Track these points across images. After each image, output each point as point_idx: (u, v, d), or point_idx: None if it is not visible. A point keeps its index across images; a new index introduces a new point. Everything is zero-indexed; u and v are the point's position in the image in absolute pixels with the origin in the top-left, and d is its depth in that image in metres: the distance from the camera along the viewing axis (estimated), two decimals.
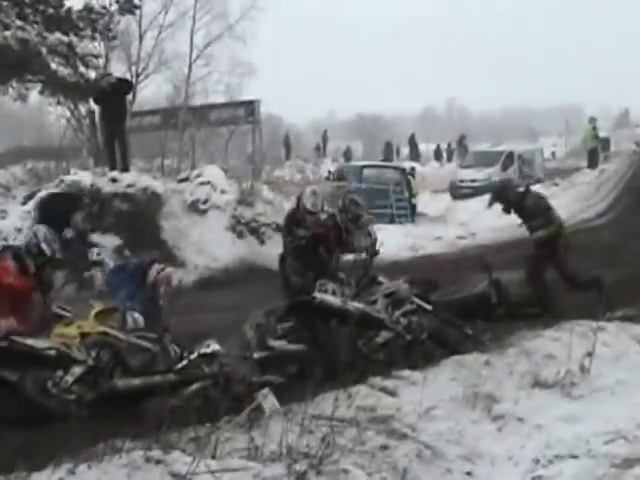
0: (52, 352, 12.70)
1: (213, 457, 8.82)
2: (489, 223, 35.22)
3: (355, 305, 14.68)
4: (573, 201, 40.75)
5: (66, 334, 13.12)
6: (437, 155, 66.10)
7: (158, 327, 13.74)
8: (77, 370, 12.60)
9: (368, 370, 12.70)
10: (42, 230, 14.74)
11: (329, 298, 14.56)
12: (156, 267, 15.61)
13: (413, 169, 50.39)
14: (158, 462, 8.28)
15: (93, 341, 13.17)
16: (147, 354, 13.31)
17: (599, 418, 12.10)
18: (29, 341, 12.68)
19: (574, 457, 10.64)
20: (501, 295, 18.51)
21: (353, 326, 14.12)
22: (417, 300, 15.51)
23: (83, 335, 13.17)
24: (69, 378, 12.57)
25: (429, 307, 15.55)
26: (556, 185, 47.89)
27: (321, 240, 15.35)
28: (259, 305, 15.47)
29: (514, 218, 20.41)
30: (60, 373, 12.54)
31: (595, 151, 55.68)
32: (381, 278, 16.27)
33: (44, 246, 14.43)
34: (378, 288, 15.72)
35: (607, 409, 12.52)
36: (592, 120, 59.54)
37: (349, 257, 17.47)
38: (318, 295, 14.52)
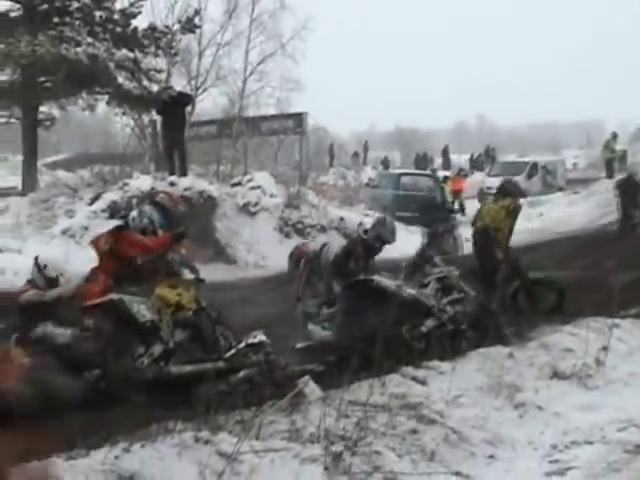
0: (147, 324, 12.91)
1: (257, 438, 8.83)
2: None
3: (408, 291, 14.63)
4: (594, 208, 40.54)
5: (165, 298, 13.31)
6: (474, 164, 65.79)
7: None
8: (157, 350, 12.69)
9: (404, 357, 12.71)
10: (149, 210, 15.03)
11: (386, 281, 14.53)
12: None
13: (446, 177, 50.37)
14: (206, 442, 8.29)
15: (183, 319, 13.35)
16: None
17: (613, 407, 12.12)
18: (135, 308, 12.91)
19: (589, 443, 10.66)
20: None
21: (403, 311, 14.09)
22: (465, 287, 15.46)
23: (179, 306, 13.35)
24: (146, 359, 12.66)
25: (474, 294, 15.49)
26: (577, 193, 47.73)
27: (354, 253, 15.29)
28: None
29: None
30: (141, 350, 12.65)
31: (611, 162, 55.44)
32: (436, 260, 16.27)
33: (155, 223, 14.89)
34: (432, 270, 15.71)
35: (620, 399, 12.54)
36: (614, 135, 59.17)
37: None
38: (376, 277, 14.50)
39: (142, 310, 12.89)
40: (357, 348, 12.93)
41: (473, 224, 19.74)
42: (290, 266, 17.11)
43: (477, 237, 18.91)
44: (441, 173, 54.15)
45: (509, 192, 19.38)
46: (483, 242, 18.39)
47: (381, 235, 15.74)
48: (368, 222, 17.05)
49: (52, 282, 13.65)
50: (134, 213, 15.22)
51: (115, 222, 15.06)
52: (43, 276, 13.65)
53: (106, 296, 13.21)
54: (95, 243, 14.68)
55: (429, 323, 14.41)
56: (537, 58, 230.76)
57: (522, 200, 20.69)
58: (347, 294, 14.43)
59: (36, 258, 14.01)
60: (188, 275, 14.46)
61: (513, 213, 18.49)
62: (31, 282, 13.69)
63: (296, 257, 16.71)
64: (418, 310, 14.51)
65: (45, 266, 13.78)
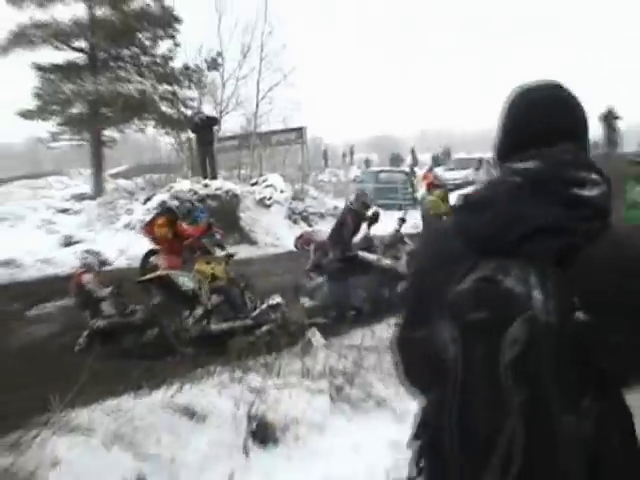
0: (189, 292, 13.06)
1: (278, 376, 8.86)
2: None
3: (386, 261, 14.75)
4: None
5: (203, 271, 13.43)
6: (435, 161, 65.67)
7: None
8: (198, 312, 12.81)
9: (386, 311, 12.72)
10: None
11: (368, 255, 14.66)
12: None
13: (413, 172, 50.84)
14: (239, 381, 8.34)
15: (217, 286, 13.44)
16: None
17: None
18: (180, 280, 13.20)
19: None
20: None
21: (382, 277, 14.24)
22: None
23: (214, 277, 13.39)
24: (190, 320, 12.76)
25: None
26: None
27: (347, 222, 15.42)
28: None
29: None
30: (187, 313, 12.73)
31: None
32: (406, 239, 16.35)
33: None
34: (404, 247, 15.80)
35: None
36: None
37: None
38: (360, 253, 14.62)
39: (185, 282, 13.06)
40: (350, 306, 12.99)
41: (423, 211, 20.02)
42: (296, 247, 17.20)
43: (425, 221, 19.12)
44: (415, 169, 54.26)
45: (438, 187, 20.00)
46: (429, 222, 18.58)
47: (364, 201, 15.89)
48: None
49: (103, 263, 14.00)
50: (175, 202, 15.71)
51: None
52: (97, 258, 13.95)
53: (159, 272, 13.43)
54: (149, 230, 14.93)
55: (403, 285, 14.45)
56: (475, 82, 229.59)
57: (471, 188, 20.86)
58: (340, 266, 14.49)
59: (87, 250, 14.46)
60: (220, 253, 14.57)
61: (444, 199, 18.82)
62: (86, 265, 13.85)
63: (301, 242, 16.81)
64: (394, 276, 14.57)
65: (97, 252, 14.20)
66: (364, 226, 16.20)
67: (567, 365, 2.27)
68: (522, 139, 2.72)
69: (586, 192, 2.51)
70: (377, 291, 14.11)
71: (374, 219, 16.11)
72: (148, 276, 13.73)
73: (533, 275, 2.36)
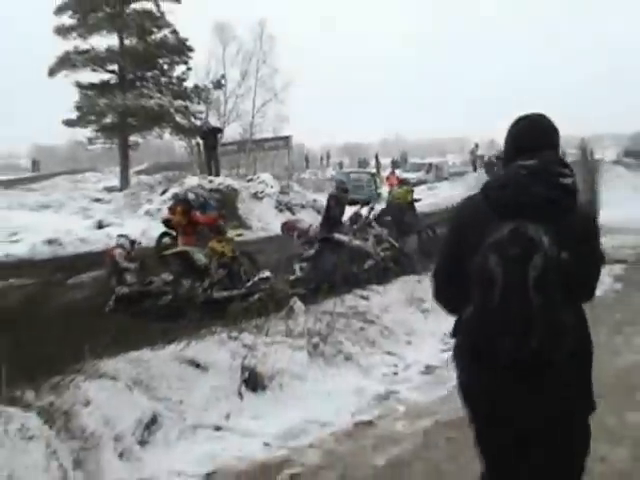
0: (202, 266, 13.06)
1: (266, 335, 8.80)
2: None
3: (356, 242, 14.73)
4: (465, 188, 40.53)
5: (215, 249, 13.35)
6: (394, 165, 65.71)
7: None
8: (206, 283, 12.81)
9: (354, 284, 12.69)
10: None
11: (342, 237, 14.63)
12: None
13: (378, 173, 51.17)
14: (235, 339, 8.29)
15: (223, 262, 13.38)
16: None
17: None
18: (196, 255, 13.19)
19: None
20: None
21: (353, 255, 14.24)
22: (391, 240, 15.61)
23: (222, 254, 13.37)
24: (200, 289, 12.75)
25: (397, 244, 15.67)
26: (455, 181, 47.83)
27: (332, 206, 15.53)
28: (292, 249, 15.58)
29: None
30: (197, 283, 12.73)
31: (474, 162, 56.39)
32: (373, 224, 16.37)
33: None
34: (370, 230, 15.80)
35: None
36: (476, 145, 60.71)
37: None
38: (335, 235, 14.59)
39: (200, 257, 13.06)
40: (325, 279, 12.94)
41: (389, 200, 20.16)
42: (282, 232, 17.18)
43: (392, 207, 19.12)
44: (374, 171, 54.30)
45: (407, 183, 20.12)
46: (396, 210, 18.60)
47: (343, 187, 16.03)
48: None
49: (133, 243, 14.03)
50: (191, 195, 15.86)
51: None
52: (128, 240, 13.96)
53: (179, 248, 13.52)
54: (171, 214, 15.19)
55: (369, 262, 14.42)
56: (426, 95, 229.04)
57: (422, 185, 21.26)
58: (320, 245, 14.46)
59: (121, 234, 14.66)
60: (232, 233, 14.70)
61: (411, 192, 18.94)
62: (120, 245, 13.88)
63: (286, 227, 16.81)
64: (362, 254, 14.53)
65: (127, 235, 14.27)
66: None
67: (559, 280, 3.23)
68: (522, 147, 3.57)
69: (565, 180, 3.47)
70: (348, 267, 14.06)
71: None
72: (171, 251, 13.83)
73: (541, 229, 3.25)
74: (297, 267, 14.39)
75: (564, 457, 3.55)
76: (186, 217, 14.54)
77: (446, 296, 3.83)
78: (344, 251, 14.31)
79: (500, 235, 3.26)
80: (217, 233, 14.21)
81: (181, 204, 15.11)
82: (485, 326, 3.31)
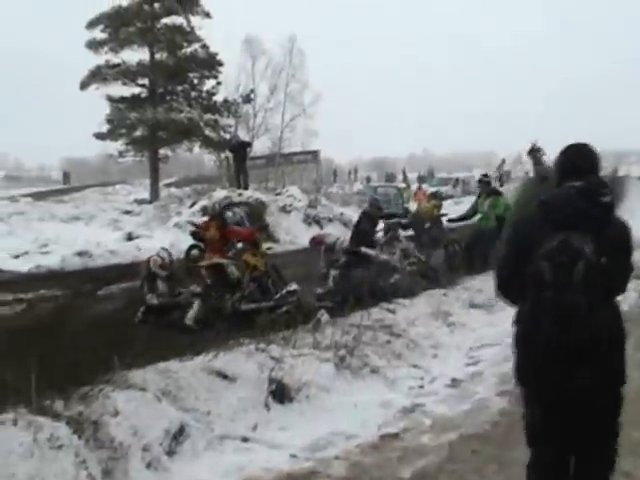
0: (235, 280, 13.12)
1: (293, 347, 8.82)
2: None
3: (383, 256, 14.72)
4: None
5: (248, 262, 13.45)
6: (421, 179, 65.59)
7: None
8: (237, 296, 12.86)
9: (381, 297, 12.70)
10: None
11: (369, 250, 14.65)
12: None
13: (408, 187, 51.10)
14: (263, 350, 8.30)
15: (255, 275, 13.45)
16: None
17: (507, 324, 12.03)
18: (230, 269, 13.25)
19: (491, 345, 10.70)
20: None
21: (381, 269, 14.26)
22: (418, 254, 15.61)
23: (254, 267, 13.45)
24: (229, 302, 12.80)
25: (423, 258, 15.66)
26: None
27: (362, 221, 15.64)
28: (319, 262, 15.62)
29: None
30: (228, 295, 12.78)
31: (502, 177, 56.21)
32: (401, 238, 16.39)
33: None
34: (397, 244, 15.79)
35: (510, 318, 12.49)
36: (502, 160, 60.68)
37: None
38: (362, 249, 14.61)
39: (233, 270, 13.11)
40: (352, 292, 12.96)
41: (412, 215, 19.98)
42: (310, 245, 17.19)
43: (415, 221, 18.91)
44: (401, 185, 54.16)
45: (436, 197, 19.71)
46: (419, 224, 18.44)
47: (377, 205, 16.24)
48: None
49: (170, 255, 14.12)
50: (229, 213, 15.87)
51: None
52: (167, 252, 14.07)
53: (213, 260, 13.53)
54: (204, 229, 15.09)
55: (396, 276, 14.41)
56: (456, 112, 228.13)
57: (449, 200, 20.95)
58: (347, 258, 14.47)
59: (163, 247, 14.82)
60: (263, 247, 14.81)
61: (438, 207, 18.66)
62: (160, 256, 13.96)
63: (314, 242, 16.80)
64: (389, 269, 14.52)
65: (166, 249, 14.36)
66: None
67: (599, 282, 3.99)
68: (570, 171, 4.33)
69: (605, 199, 4.20)
70: (374, 280, 14.05)
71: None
72: (205, 263, 13.80)
73: (584, 239, 4.01)
74: (332, 274, 14.40)
75: (603, 420, 4.33)
76: (220, 232, 14.46)
77: (507, 291, 4.56)
78: (371, 265, 14.33)
79: (551, 245, 4.04)
80: (252, 246, 14.30)
81: (217, 220, 15.06)
82: (539, 319, 4.12)
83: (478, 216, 18.51)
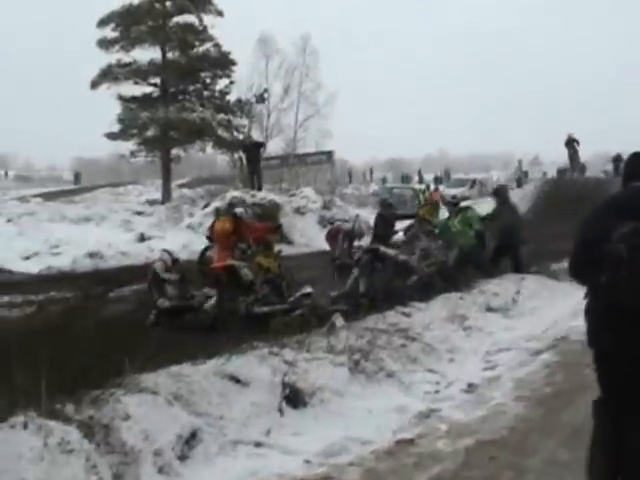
0: (248, 282, 13.16)
1: (307, 351, 8.83)
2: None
3: (402, 257, 14.69)
4: None
5: (262, 264, 13.60)
6: (437, 181, 65.56)
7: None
8: (250, 299, 12.91)
9: (397, 300, 12.71)
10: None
11: (387, 250, 14.63)
12: None
13: (428, 188, 51.11)
14: (276, 354, 8.32)
15: (268, 277, 13.60)
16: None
17: (523, 328, 12.28)
18: (242, 271, 13.24)
19: (508, 350, 10.76)
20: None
21: (399, 270, 14.25)
22: (438, 255, 15.56)
23: (267, 269, 13.61)
24: (242, 304, 12.82)
25: (443, 259, 15.60)
26: None
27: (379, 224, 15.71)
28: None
29: None
30: (241, 298, 12.82)
31: (520, 178, 56.33)
32: (421, 236, 16.41)
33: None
34: (418, 244, 15.77)
35: (527, 323, 12.68)
36: (520, 161, 60.78)
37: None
38: (381, 247, 14.60)
39: (246, 272, 13.12)
40: (369, 294, 13.02)
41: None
42: (327, 241, 17.11)
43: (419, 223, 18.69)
44: (417, 186, 54.13)
45: (448, 203, 19.24)
46: (421, 226, 18.27)
47: (387, 204, 16.27)
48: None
49: (173, 257, 14.14)
50: (240, 209, 15.49)
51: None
52: (169, 254, 14.09)
53: (227, 262, 13.48)
54: (217, 227, 14.90)
55: (414, 278, 14.40)
56: (473, 111, 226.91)
57: (466, 201, 20.39)
58: (365, 257, 14.44)
59: (164, 249, 14.80)
60: (275, 249, 14.79)
61: (432, 212, 19.07)
62: (162, 259, 13.99)
63: (332, 235, 16.75)
64: (408, 270, 14.50)
65: (167, 250, 14.40)
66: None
67: None
68: (634, 175, 5.11)
69: None
70: (390, 282, 14.03)
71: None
72: (219, 264, 13.75)
73: None
74: (355, 272, 14.36)
75: None
76: (233, 226, 14.31)
77: (579, 272, 5.14)
78: (389, 266, 14.31)
79: (625, 230, 4.63)
80: (265, 248, 14.28)
81: (229, 215, 14.97)
82: (617, 293, 4.71)
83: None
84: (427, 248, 15.65)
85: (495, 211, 18.41)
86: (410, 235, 16.80)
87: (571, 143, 44.46)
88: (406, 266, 14.63)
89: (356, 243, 16.54)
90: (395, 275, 14.31)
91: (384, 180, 79.15)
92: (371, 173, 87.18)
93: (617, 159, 57.92)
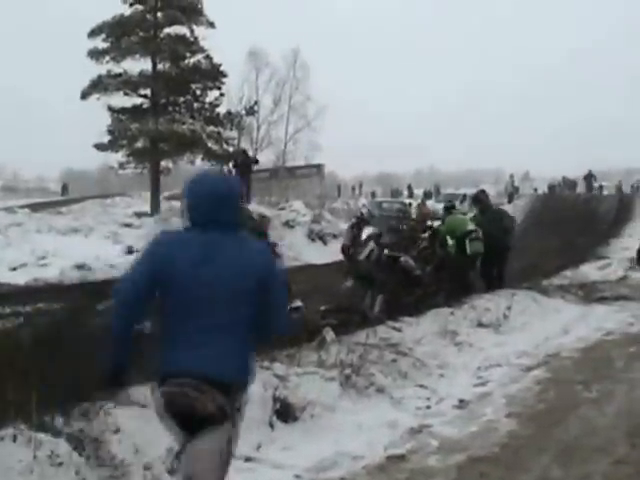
0: None
1: (298, 366, 8.84)
2: None
3: (418, 272, 14.54)
4: None
5: None
6: (426, 195, 65.75)
7: None
8: None
9: (390, 317, 12.72)
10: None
11: (410, 261, 14.48)
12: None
13: (411, 204, 51.13)
14: (267, 368, 8.32)
15: None
16: None
17: (513, 344, 12.31)
18: None
19: (499, 366, 10.83)
20: None
21: (408, 279, 14.24)
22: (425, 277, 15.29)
23: None
24: None
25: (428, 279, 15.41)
26: None
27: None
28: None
29: None
30: None
31: (512, 193, 56.64)
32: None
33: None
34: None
35: (518, 339, 12.70)
36: (511, 176, 61.14)
37: None
38: (403, 257, 14.43)
39: None
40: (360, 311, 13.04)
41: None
42: (344, 253, 16.35)
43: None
44: (407, 200, 54.20)
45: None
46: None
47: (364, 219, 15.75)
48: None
49: None
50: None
51: None
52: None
53: None
54: None
55: (417, 291, 14.42)
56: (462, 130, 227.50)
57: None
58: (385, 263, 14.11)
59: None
60: None
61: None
62: None
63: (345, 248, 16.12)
64: (417, 281, 14.45)
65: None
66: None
67: None
68: None
69: None
70: (398, 292, 13.93)
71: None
72: None
73: None
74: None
75: None
76: None
77: None
78: (401, 276, 14.22)
79: None
80: None
81: None
82: None
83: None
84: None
85: (477, 220, 17.52)
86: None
87: (589, 178, 47.97)
88: (419, 281, 14.59)
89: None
90: (403, 284, 14.25)
91: (373, 194, 79.31)
92: (360, 187, 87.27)
93: (588, 176, 58.93)
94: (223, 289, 4.17)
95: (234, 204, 4.31)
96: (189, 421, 4.15)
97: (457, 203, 50.45)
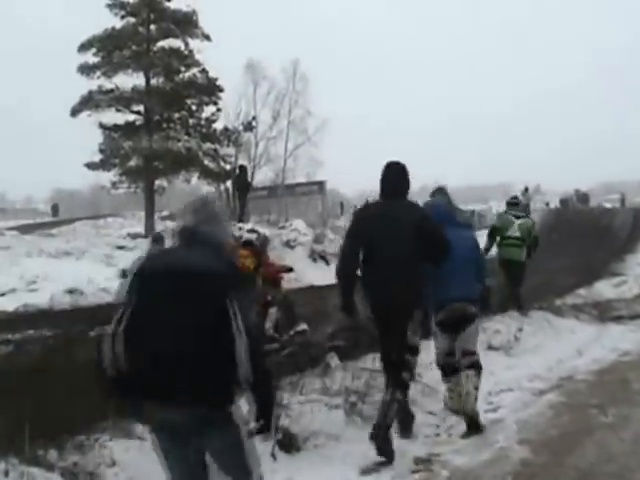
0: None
1: (301, 393, 8.85)
2: None
3: None
4: None
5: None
6: None
7: None
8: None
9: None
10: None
11: None
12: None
13: None
14: None
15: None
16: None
17: (526, 367, 12.26)
18: None
19: (511, 390, 10.79)
20: None
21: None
22: None
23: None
24: None
25: None
26: None
27: None
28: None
29: None
30: None
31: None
32: None
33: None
34: None
35: (530, 362, 12.64)
36: (523, 192, 61.30)
37: None
38: None
39: None
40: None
41: None
42: None
43: None
44: None
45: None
46: None
47: None
48: None
49: None
50: (252, 236, 14.87)
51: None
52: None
53: None
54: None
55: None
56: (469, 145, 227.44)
57: None
58: None
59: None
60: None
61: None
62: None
63: None
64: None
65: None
66: None
67: None
68: None
69: None
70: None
71: None
72: None
73: None
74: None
75: None
76: (256, 261, 13.67)
77: None
78: None
79: None
80: (274, 285, 14.12)
81: (252, 247, 14.11)
82: None
83: None
84: None
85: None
86: None
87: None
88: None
89: None
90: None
91: None
92: None
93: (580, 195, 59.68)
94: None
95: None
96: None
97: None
